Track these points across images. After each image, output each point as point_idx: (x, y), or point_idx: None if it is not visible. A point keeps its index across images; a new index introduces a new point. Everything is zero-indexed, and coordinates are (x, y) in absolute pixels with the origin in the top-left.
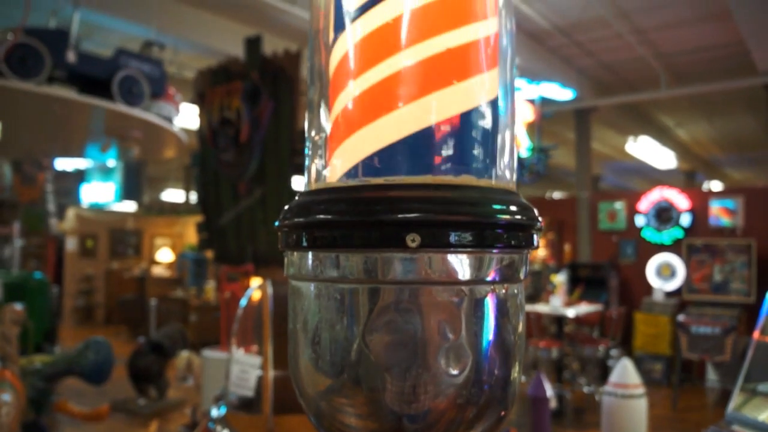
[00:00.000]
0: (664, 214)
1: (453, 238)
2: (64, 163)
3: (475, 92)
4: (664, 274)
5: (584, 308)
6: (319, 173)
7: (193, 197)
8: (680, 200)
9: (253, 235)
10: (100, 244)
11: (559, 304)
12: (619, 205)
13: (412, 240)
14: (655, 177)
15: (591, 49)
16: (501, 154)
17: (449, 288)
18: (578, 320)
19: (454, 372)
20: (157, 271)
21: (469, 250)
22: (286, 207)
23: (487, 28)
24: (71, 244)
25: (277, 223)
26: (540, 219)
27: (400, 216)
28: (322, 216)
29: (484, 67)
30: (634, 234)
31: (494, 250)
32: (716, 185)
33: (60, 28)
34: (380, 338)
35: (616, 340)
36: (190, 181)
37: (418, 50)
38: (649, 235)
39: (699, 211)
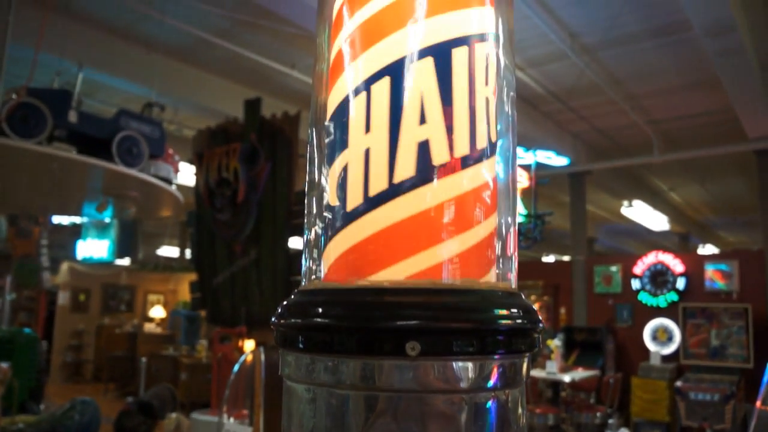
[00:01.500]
0: (659, 277)
1: (454, 346)
2: (60, 218)
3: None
4: (661, 338)
5: (580, 373)
6: (317, 268)
7: (189, 253)
8: (675, 264)
9: (246, 297)
10: (93, 299)
11: (555, 369)
12: (614, 269)
13: (412, 348)
14: (650, 239)
15: (585, 115)
16: (502, 254)
17: (449, 396)
18: (574, 386)
19: None
20: (149, 327)
21: (469, 357)
22: (284, 303)
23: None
24: (63, 298)
25: (273, 319)
26: (542, 321)
27: (399, 323)
28: (319, 320)
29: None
30: (629, 297)
31: (495, 356)
32: (710, 248)
33: (63, 89)
34: None
35: (614, 406)
36: (185, 238)
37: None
38: (645, 298)
39: (694, 275)
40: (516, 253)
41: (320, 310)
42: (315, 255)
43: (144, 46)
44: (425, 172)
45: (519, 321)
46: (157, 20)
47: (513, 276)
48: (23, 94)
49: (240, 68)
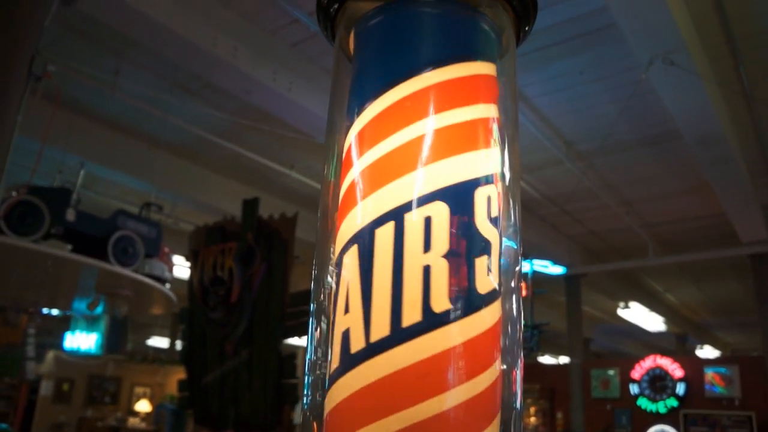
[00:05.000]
0: (658, 382)
1: None
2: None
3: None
4: None
5: None
6: None
7: (179, 345)
8: (674, 368)
9: (236, 398)
10: (77, 389)
11: None
12: (612, 372)
13: None
14: (647, 340)
15: (580, 218)
16: None
17: None
18: None
19: None
20: (134, 422)
21: None
22: None
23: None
24: (45, 388)
25: None
26: None
27: None
28: None
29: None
30: (628, 403)
31: None
32: (708, 349)
33: (63, 187)
34: None
35: None
36: (177, 329)
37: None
38: (644, 404)
39: (694, 380)
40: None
41: None
42: None
43: (146, 143)
44: None
45: None
46: (161, 119)
47: None
48: (23, 192)
49: (239, 167)
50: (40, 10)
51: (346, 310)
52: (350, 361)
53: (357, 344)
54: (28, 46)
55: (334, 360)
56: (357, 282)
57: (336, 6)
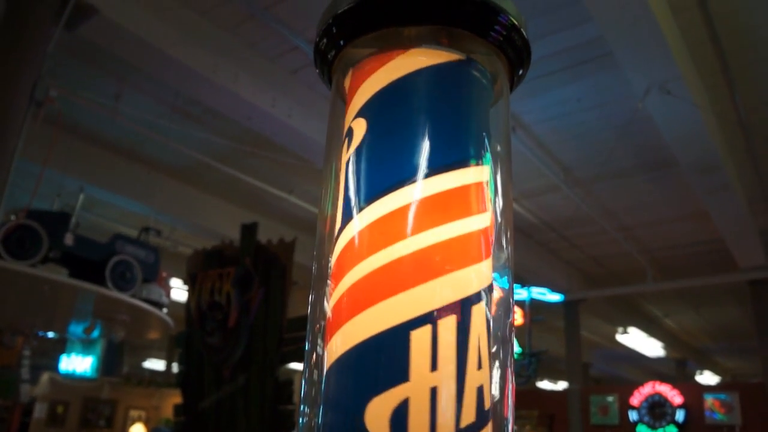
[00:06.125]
0: (657, 408)
1: None
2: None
3: None
4: None
5: None
6: None
7: (176, 367)
8: (674, 395)
9: (233, 424)
10: (71, 412)
11: None
12: (611, 399)
13: None
14: (646, 365)
15: (579, 243)
16: None
17: None
18: None
19: None
20: None
21: None
22: None
23: None
24: (39, 411)
25: None
26: None
27: None
28: None
29: None
30: (627, 429)
31: None
32: (708, 374)
33: (62, 211)
34: None
35: None
36: (173, 351)
37: None
38: (644, 430)
39: (693, 406)
40: None
41: None
42: None
43: (146, 167)
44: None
45: None
46: (161, 143)
47: None
48: (22, 216)
49: (238, 191)
50: (42, 38)
51: (479, 366)
52: (485, 415)
53: (488, 401)
54: (30, 72)
55: (468, 414)
56: (486, 338)
57: (333, 53)
